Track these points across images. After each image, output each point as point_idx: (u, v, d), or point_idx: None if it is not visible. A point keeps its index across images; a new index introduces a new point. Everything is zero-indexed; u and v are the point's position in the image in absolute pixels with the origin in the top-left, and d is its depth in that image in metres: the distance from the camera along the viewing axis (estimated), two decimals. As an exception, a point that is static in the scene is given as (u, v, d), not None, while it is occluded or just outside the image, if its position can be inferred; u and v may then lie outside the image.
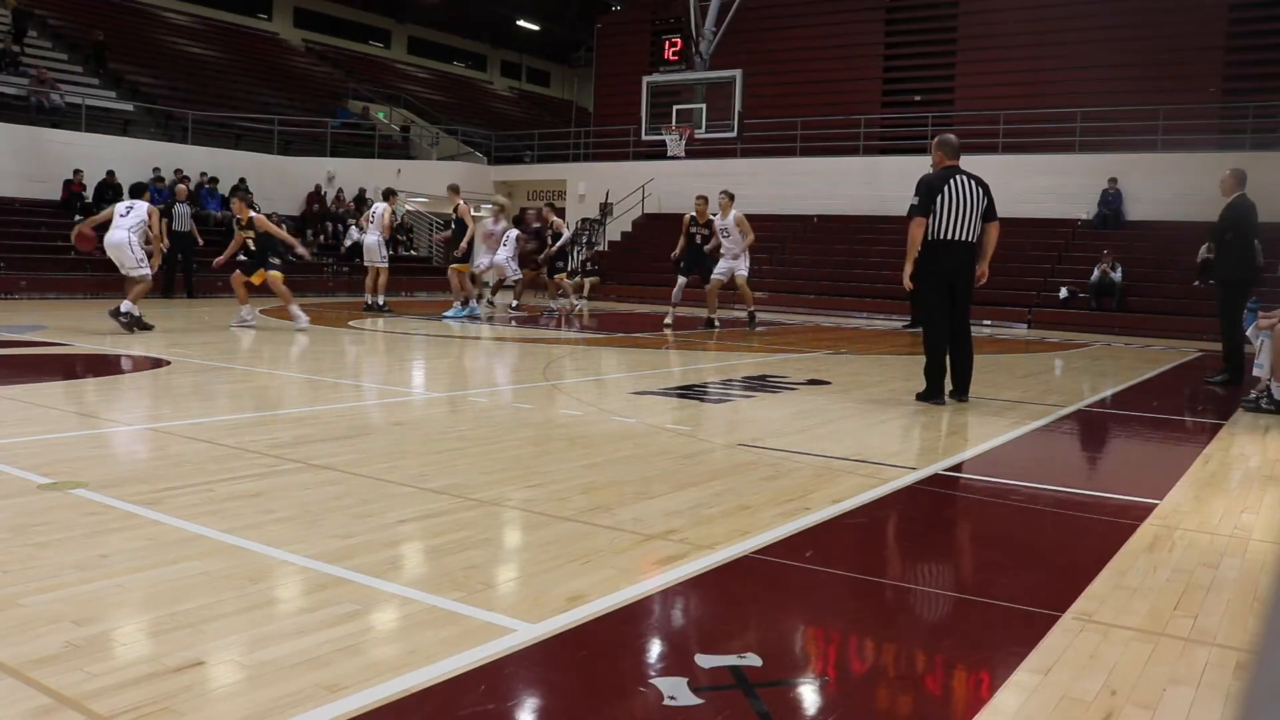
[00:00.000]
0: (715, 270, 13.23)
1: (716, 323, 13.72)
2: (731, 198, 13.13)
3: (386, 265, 14.76)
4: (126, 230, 10.68)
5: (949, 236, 6.82)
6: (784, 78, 24.83)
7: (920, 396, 7.10)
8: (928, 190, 6.84)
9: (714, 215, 13.45)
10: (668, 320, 13.82)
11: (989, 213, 6.99)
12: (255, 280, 12.03)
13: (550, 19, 37.65)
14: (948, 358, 7.06)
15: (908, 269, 6.89)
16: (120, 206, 11.14)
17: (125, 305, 10.50)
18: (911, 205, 6.91)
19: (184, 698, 2.11)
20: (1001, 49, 22.97)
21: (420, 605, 2.72)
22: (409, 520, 3.58)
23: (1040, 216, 19.74)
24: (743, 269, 13.17)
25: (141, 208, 10.93)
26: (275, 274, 11.92)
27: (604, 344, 11.64)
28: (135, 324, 10.48)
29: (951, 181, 6.86)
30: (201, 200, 19.79)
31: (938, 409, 6.83)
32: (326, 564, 3.03)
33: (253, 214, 12.18)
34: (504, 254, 15.35)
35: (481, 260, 14.88)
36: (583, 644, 2.52)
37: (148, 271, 10.74)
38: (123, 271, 10.89)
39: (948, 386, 7.10)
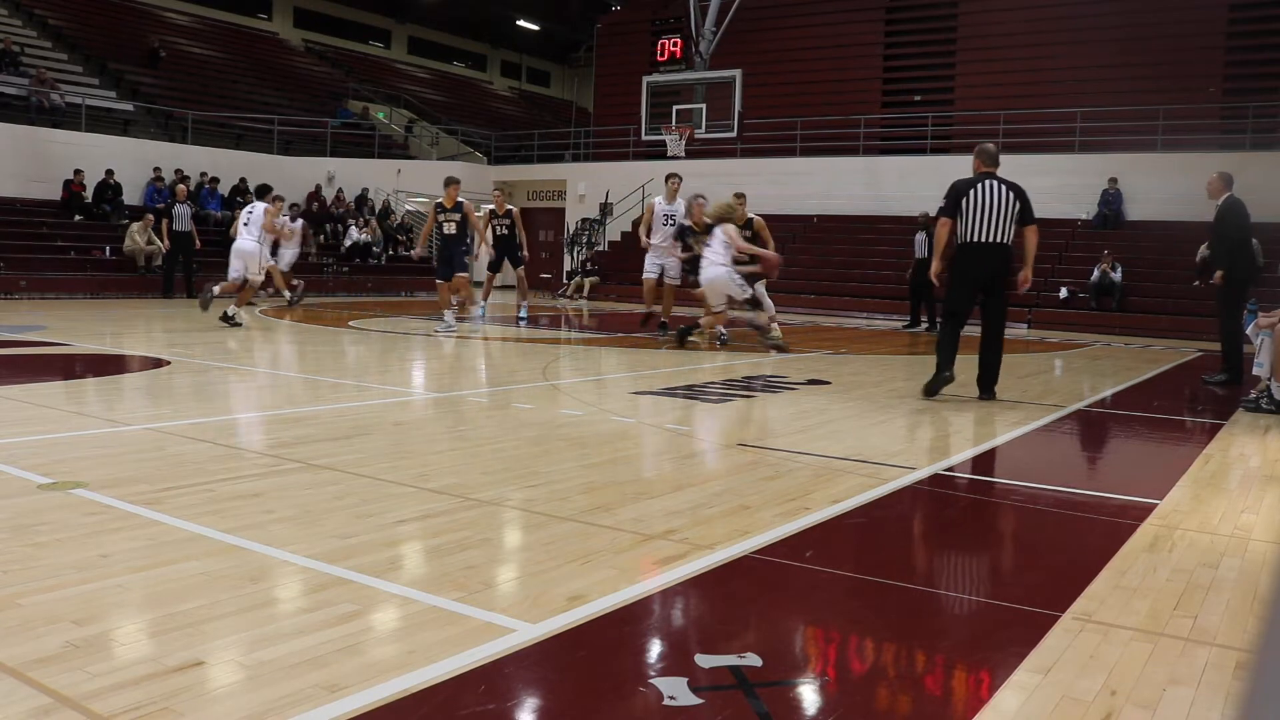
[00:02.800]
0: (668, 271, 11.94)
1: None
2: (671, 179, 12.14)
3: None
4: (255, 241, 11.72)
5: (977, 239, 7.02)
6: (784, 78, 24.83)
7: (926, 387, 7.29)
8: (953, 193, 7.13)
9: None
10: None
11: (1024, 216, 7.12)
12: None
13: (550, 19, 37.64)
14: (977, 357, 7.31)
15: (935, 266, 7.24)
16: (243, 214, 12.20)
17: (232, 309, 11.38)
18: (939, 208, 7.25)
19: (184, 698, 2.11)
20: (1001, 49, 22.97)
21: (420, 605, 2.72)
22: (409, 520, 3.58)
23: (1040, 216, 19.56)
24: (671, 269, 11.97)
25: (259, 209, 11.87)
26: (463, 275, 12.37)
27: (603, 344, 11.63)
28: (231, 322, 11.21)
29: (979, 186, 7.04)
30: (201, 200, 19.79)
31: (937, 408, 6.83)
32: (326, 564, 3.03)
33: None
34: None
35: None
36: (583, 644, 2.52)
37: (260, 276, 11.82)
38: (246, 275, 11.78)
39: (942, 384, 7.25)
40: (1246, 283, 8.99)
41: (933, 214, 15.85)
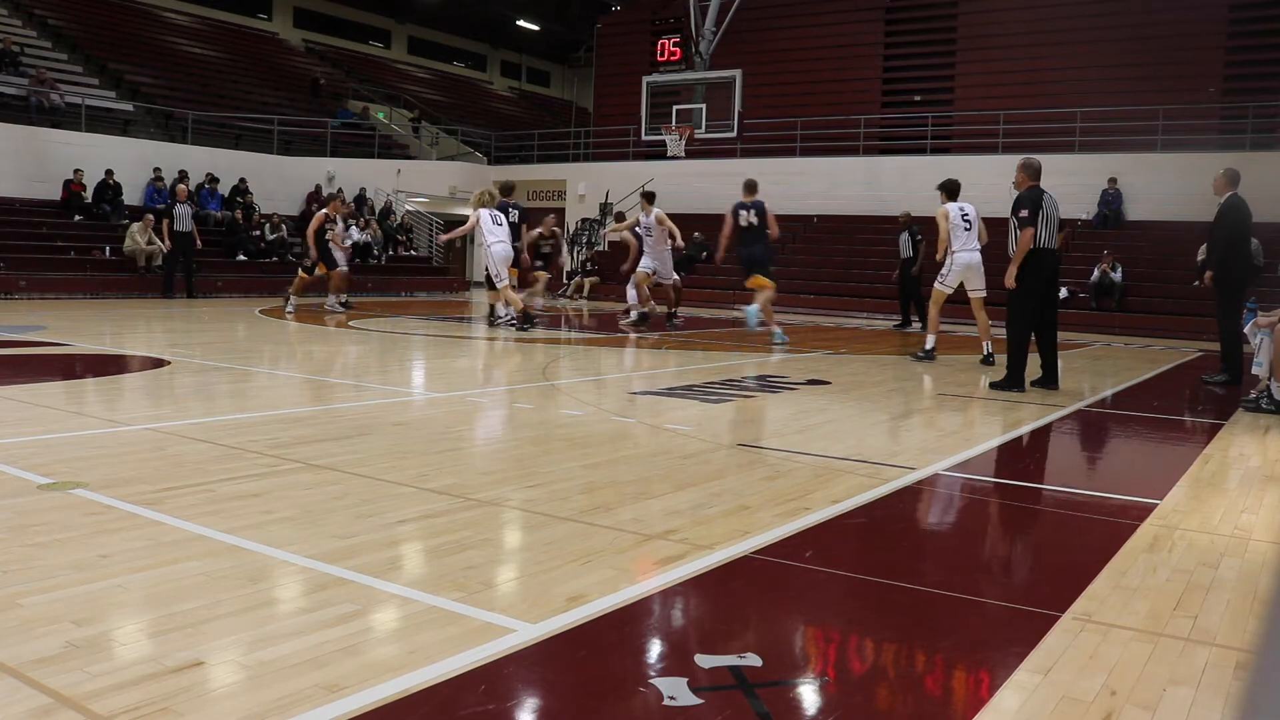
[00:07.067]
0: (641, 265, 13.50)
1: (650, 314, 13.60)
2: (650, 198, 13.54)
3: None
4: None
5: (1046, 245, 7.80)
6: (784, 78, 24.83)
7: (998, 385, 7.92)
8: (1034, 205, 7.78)
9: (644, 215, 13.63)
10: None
11: (1060, 224, 8.24)
12: None
13: (550, 19, 37.64)
14: (1037, 351, 8.02)
15: (1012, 271, 7.77)
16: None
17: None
18: (1022, 217, 7.79)
19: (184, 698, 2.11)
20: (1001, 49, 22.97)
21: (420, 605, 2.72)
22: (409, 520, 3.58)
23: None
24: (644, 265, 13.37)
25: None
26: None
27: (603, 344, 11.64)
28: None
29: (1046, 197, 7.89)
30: (202, 200, 19.79)
31: (937, 408, 6.84)
32: (326, 564, 3.03)
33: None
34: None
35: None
36: (583, 644, 2.52)
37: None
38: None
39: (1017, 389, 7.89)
40: (1244, 282, 8.97)
41: (914, 213, 16.09)
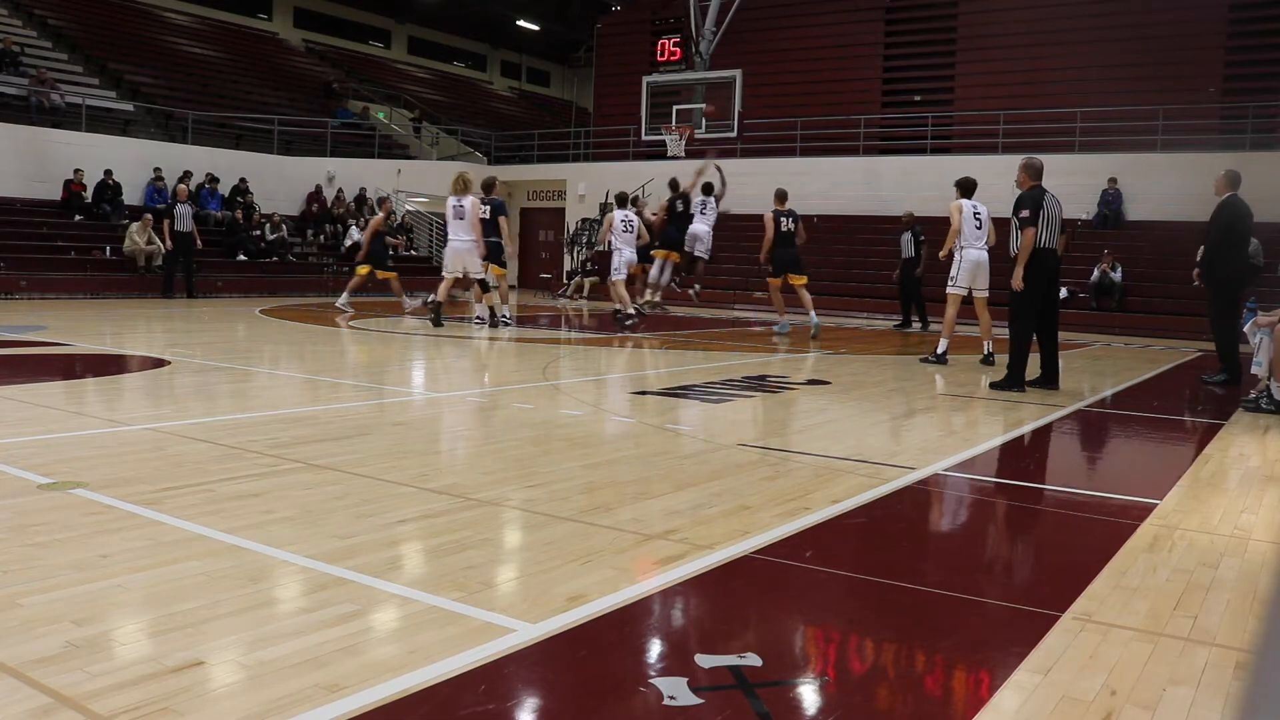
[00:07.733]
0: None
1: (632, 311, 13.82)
2: (618, 200, 14.64)
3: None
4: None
5: (1047, 245, 7.87)
6: (784, 78, 24.82)
7: (998, 385, 7.92)
8: (1034, 205, 7.83)
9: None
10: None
11: (1062, 225, 8.20)
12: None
13: (550, 19, 37.63)
14: (1037, 351, 8.03)
15: (1019, 272, 7.80)
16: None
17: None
18: (1023, 217, 7.85)
19: (184, 698, 2.11)
20: (1001, 49, 22.95)
21: (420, 605, 2.72)
22: (409, 520, 3.58)
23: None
24: (616, 268, 14.12)
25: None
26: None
27: (603, 344, 11.64)
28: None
29: (1047, 197, 7.94)
30: (202, 200, 19.78)
31: (937, 408, 6.84)
32: (326, 564, 3.03)
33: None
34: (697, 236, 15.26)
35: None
36: (583, 644, 2.52)
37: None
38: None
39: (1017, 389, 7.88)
40: (1241, 282, 8.97)
41: (917, 213, 16.08)
